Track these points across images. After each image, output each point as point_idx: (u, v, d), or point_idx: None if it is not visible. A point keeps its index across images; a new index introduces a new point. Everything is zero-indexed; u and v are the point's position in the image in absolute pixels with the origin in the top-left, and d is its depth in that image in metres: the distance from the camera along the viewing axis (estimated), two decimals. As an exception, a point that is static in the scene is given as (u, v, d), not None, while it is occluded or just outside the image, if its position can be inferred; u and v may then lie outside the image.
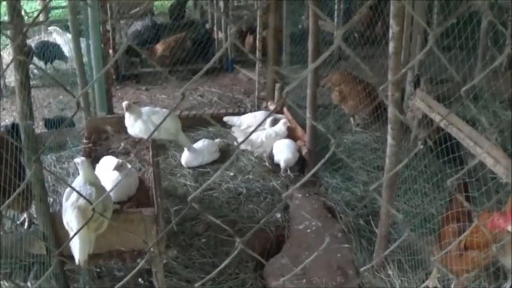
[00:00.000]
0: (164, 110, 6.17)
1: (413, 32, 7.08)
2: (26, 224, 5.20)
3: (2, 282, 4.68)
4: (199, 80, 9.54)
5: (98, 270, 4.98)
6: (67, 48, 10.13)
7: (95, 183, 3.97)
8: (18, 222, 5.26)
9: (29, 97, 3.46)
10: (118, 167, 4.60)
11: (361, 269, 4.87)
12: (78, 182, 3.93)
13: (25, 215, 5.20)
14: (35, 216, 4.91)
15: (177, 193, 6.29)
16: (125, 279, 2.04)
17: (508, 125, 6.29)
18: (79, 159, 4.00)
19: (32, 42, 10.87)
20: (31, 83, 3.65)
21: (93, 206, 1.75)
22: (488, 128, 5.85)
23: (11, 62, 3.06)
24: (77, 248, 3.63)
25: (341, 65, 8.83)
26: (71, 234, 3.71)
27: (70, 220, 3.69)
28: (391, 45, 4.17)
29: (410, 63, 6.17)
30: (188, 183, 6.47)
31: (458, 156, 5.10)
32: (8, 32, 3.08)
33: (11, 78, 10.07)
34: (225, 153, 7.12)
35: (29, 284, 4.63)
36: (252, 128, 6.84)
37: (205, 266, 5.10)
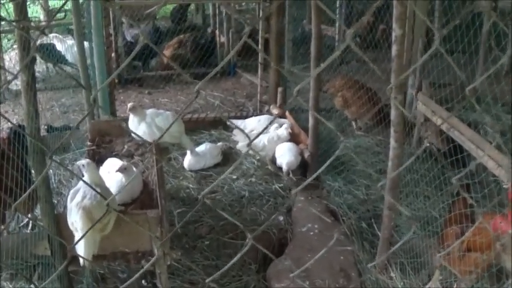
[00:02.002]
0: (168, 112, 6.19)
1: (415, 35, 7.11)
2: (30, 225, 5.22)
3: (5, 284, 4.69)
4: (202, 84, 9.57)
5: (101, 272, 5.00)
6: (68, 56, 10.14)
7: (100, 184, 3.99)
8: (22, 224, 5.28)
9: (35, 98, 3.48)
10: (122, 169, 4.63)
11: (368, 265, 4.88)
12: (83, 183, 3.93)
13: (29, 216, 5.21)
14: (38, 217, 4.93)
15: (180, 196, 6.30)
16: (130, 280, 2.06)
17: (509, 127, 6.30)
18: (84, 161, 4.02)
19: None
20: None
21: (107, 201, 1.76)
22: (490, 131, 5.87)
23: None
24: (82, 248, 3.64)
25: (342, 70, 8.85)
26: (76, 234, 3.72)
27: (75, 220, 3.71)
28: (394, 48, 4.20)
29: (414, 65, 6.20)
30: (191, 186, 6.49)
31: (461, 158, 5.12)
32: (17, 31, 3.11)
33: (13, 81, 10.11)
34: (228, 156, 7.15)
35: (32, 286, 4.64)
36: (255, 132, 6.86)
37: (209, 268, 5.10)
